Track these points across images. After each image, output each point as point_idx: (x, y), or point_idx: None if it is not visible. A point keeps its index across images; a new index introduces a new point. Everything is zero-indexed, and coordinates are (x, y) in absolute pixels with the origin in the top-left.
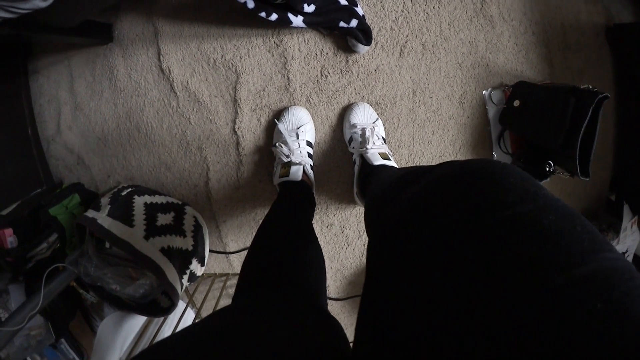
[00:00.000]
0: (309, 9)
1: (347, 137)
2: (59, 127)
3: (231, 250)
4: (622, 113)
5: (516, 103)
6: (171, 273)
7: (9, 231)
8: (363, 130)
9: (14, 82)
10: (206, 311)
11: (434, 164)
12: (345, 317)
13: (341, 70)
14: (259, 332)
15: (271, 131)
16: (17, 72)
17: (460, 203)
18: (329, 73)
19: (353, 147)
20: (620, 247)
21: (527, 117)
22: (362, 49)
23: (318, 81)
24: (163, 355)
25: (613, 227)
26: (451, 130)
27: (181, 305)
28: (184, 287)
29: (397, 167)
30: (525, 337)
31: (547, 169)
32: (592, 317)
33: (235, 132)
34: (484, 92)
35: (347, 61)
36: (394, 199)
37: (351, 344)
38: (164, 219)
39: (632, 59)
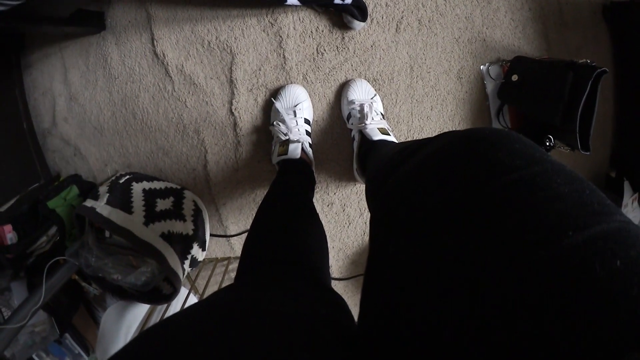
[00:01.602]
0: None
1: (345, 113)
2: (55, 120)
3: (232, 233)
4: (620, 90)
5: (514, 78)
6: (172, 258)
7: (8, 227)
8: (361, 106)
9: (7, 78)
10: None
11: None
12: (348, 296)
13: (337, 47)
14: (262, 307)
15: (268, 110)
16: (9, 67)
17: (465, 169)
18: (325, 50)
19: (352, 123)
20: None
21: (526, 91)
22: (358, 25)
23: (314, 59)
24: (166, 333)
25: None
26: (450, 105)
27: (183, 291)
28: (185, 273)
29: (396, 142)
30: (542, 298)
31: (547, 144)
32: (612, 275)
33: (232, 113)
34: (481, 67)
35: (343, 38)
36: (395, 171)
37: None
38: (163, 204)
39: (630, 37)
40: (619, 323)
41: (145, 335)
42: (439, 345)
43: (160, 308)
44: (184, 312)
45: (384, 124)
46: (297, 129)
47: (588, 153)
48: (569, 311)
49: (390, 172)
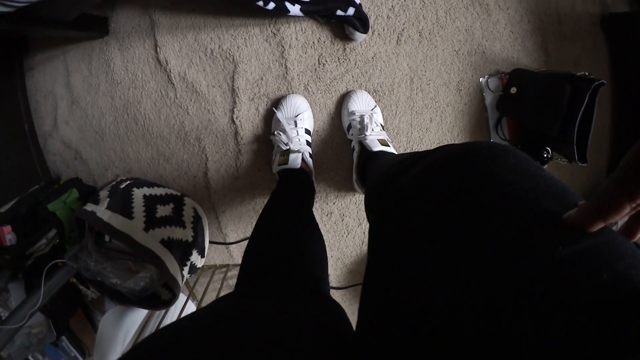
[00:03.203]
0: None
1: (345, 124)
2: (56, 123)
3: (231, 240)
4: (618, 101)
5: (513, 90)
6: (172, 264)
7: (7, 228)
8: (361, 117)
9: (9, 79)
10: (207, 303)
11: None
12: (346, 305)
13: (339, 58)
14: (261, 315)
15: (269, 120)
16: (12, 68)
17: (461, 181)
18: (326, 61)
19: (352, 134)
20: None
21: (524, 103)
22: (360, 37)
23: (316, 69)
24: (165, 341)
25: None
26: (449, 117)
27: (182, 298)
28: (184, 279)
29: (396, 153)
30: (533, 305)
31: (545, 156)
32: (599, 287)
33: (233, 121)
34: (480, 79)
35: (345, 49)
36: (394, 182)
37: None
38: (163, 210)
39: (628, 48)
40: (606, 331)
41: (144, 344)
42: (436, 351)
43: (159, 314)
44: (184, 319)
45: (384, 135)
46: (297, 139)
47: (585, 165)
48: (558, 319)
49: (389, 183)
